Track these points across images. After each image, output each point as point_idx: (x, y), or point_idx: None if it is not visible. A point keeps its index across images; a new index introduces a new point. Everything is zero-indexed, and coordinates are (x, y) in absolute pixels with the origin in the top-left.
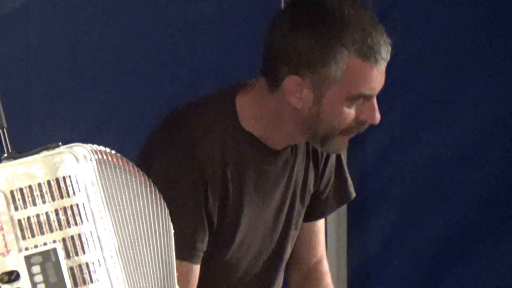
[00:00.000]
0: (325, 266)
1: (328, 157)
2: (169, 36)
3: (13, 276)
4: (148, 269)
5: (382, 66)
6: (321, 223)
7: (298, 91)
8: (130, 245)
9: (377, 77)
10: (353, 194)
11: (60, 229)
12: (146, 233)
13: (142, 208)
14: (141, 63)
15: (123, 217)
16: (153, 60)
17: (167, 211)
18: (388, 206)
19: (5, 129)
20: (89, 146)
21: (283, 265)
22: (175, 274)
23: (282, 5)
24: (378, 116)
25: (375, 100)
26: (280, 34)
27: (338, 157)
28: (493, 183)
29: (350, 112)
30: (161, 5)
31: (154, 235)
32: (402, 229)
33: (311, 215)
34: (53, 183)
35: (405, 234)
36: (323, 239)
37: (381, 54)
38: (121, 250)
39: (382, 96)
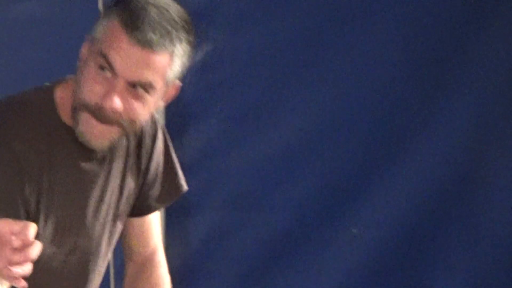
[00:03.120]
0: (159, 257)
1: (152, 152)
2: None
3: None
4: None
5: (139, 46)
6: (152, 216)
7: (84, 58)
8: None
9: (125, 49)
10: (184, 187)
11: None
12: None
13: None
14: None
15: None
16: None
17: None
18: (208, 207)
19: None
20: None
21: (100, 261)
22: None
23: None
24: (113, 101)
25: (117, 85)
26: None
27: (167, 151)
28: (320, 185)
29: (96, 82)
30: None
31: None
32: (223, 230)
33: (140, 211)
34: None
35: (226, 235)
36: (157, 231)
37: (144, 34)
38: None
39: (209, 95)
